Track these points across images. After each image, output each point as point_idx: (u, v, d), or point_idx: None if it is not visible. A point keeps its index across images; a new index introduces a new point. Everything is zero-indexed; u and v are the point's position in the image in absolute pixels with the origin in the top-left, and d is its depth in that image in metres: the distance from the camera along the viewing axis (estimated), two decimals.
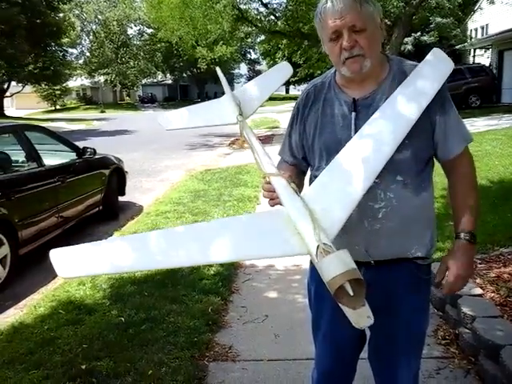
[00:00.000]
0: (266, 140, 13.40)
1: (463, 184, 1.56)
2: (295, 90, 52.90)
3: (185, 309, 3.35)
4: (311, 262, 1.69)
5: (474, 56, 24.32)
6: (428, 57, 1.59)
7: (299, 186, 1.53)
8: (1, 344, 3.05)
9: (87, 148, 5.89)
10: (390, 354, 1.65)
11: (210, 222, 1.66)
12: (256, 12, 19.83)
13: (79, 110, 45.48)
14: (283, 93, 56.69)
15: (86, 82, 52.62)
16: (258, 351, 2.88)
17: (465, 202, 1.54)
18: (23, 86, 36.99)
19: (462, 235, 1.51)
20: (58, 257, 1.36)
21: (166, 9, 17.08)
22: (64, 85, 42.31)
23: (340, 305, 1.23)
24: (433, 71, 1.54)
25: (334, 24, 1.44)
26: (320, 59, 19.96)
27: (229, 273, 4.02)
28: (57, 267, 1.33)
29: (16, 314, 3.63)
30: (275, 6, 21.28)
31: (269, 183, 1.55)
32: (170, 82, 60.62)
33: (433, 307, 3.17)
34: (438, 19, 25.78)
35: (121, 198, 6.83)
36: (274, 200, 1.53)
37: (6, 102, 38.68)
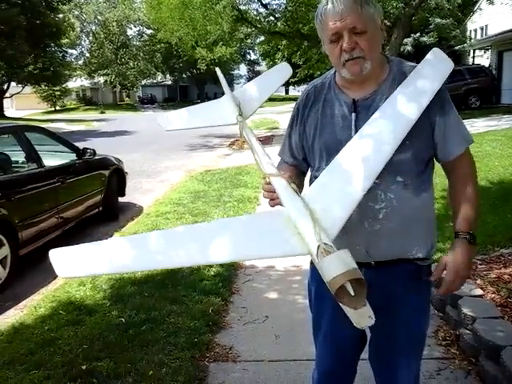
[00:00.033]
0: (265, 141, 13.41)
1: (463, 184, 1.55)
2: (295, 91, 52.89)
3: (185, 309, 3.35)
4: (311, 263, 1.69)
5: (473, 57, 24.34)
6: (428, 56, 1.59)
7: (299, 187, 1.53)
8: (1, 344, 3.06)
9: (87, 149, 5.90)
10: (390, 354, 1.65)
11: (210, 223, 1.65)
12: (256, 13, 19.89)
13: (79, 110, 45.48)
14: (283, 93, 56.71)
15: (86, 82, 52.63)
16: (259, 352, 2.88)
17: (465, 203, 1.53)
18: (23, 87, 37.01)
19: (462, 235, 1.50)
20: (58, 257, 1.36)
21: (166, 10, 17.09)
22: (64, 85, 42.34)
23: (341, 305, 1.23)
24: (433, 71, 1.55)
25: (335, 26, 1.44)
26: (319, 60, 19.96)
27: (229, 273, 4.02)
28: (56, 267, 1.34)
29: (16, 314, 3.64)
30: (275, 6, 21.19)
31: (269, 183, 1.55)
32: (169, 82, 60.62)
33: (433, 308, 3.16)
34: (438, 20, 25.81)
35: (121, 199, 6.83)
36: (275, 200, 1.53)
37: (6, 102, 38.70)
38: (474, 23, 26.40)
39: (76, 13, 47.44)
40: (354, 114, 1.53)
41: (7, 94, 36.56)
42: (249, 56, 58.43)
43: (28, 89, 38.93)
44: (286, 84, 44.73)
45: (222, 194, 7.07)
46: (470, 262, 1.52)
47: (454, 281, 1.48)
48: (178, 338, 2.97)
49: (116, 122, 28.01)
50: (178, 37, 18.45)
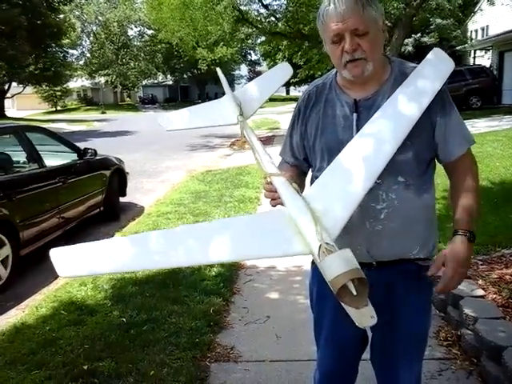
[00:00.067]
0: (266, 141, 13.40)
1: (464, 184, 1.54)
2: (295, 91, 52.92)
3: (186, 310, 3.35)
4: (313, 263, 1.69)
5: (474, 57, 24.32)
6: (429, 56, 1.59)
7: (300, 187, 1.53)
8: (3, 344, 3.06)
9: (88, 149, 5.90)
10: (391, 355, 1.65)
11: (211, 222, 1.65)
12: (256, 13, 19.89)
13: (80, 110, 45.53)
14: (284, 94, 56.72)
15: (87, 83, 52.68)
16: (260, 352, 2.88)
17: (465, 202, 1.52)
18: (24, 87, 37.05)
19: (462, 232, 1.47)
20: (59, 256, 1.36)
21: (167, 10, 17.08)
22: (65, 86, 42.40)
23: (343, 304, 1.22)
24: (433, 71, 1.54)
25: (337, 27, 1.43)
26: (320, 60, 19.96)
27: (230, 274, 4.02)
28: (57, 266, 1.34)
29: (18, 314, 3.64)
30: (275, 7, 21.17)
31: (270, 183, 1.55)
32: (170, 82, 60.65)
33: (434, 308, 3.16)
34: (439, 20, 25.83)
35: (122, 199, 6.83)
36: (276, 200, 1.53)
37: (7, 102, 38.74)
38: (474, 24, 26.39)
39: (77, 13, 47.46)
40: (355, 114, 1.53)
41: (8, 95, 36.59)
42: (250, 56, 58.46)
43: (29, 89, 38.99)
44: (287, 84, 44.78)
45: (222, 194, 7.08)
46: (469, 259, 1.50)
47: (452, 277, 1.44)
48: (180, 338, 2.97)
49: (117, 122, 28.03)
50: (179, 37, 18.44)
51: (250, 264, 4.26)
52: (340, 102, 1.56)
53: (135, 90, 56.89)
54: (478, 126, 11.92)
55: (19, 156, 5.11)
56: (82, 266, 1.37)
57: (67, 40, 38.49)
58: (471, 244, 1.48)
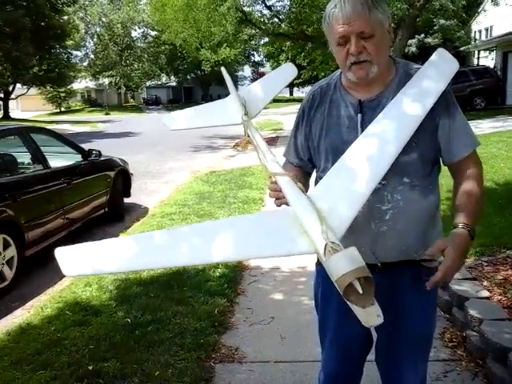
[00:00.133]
0: (270, 142, 13.39)
1: (467, 184, 1.52)
2: (299, 92, 52.90)
3: (191, 310, 3.36)
4: (317, 264, 1.69)
5: (478, 58, 24.24)
6: (433, 57, 1.59)
7: (305, 187, 1.52)
8: (8, 344, 3.07)
9: (92, 150, 5.93)
10: (396, 355, 1.65)
11: (216, 221, 1.65)
12: (260, 14, 19.92)
13: (84, 112, 45.65)
14: (287, 95, 56.73)
15: (91, 84, 52.82)
16: (265, 353, 2.88)
17: (467, 201, 1.49)
18: (28, 89, 37.21)
19: (462, 226, 1.44)
20: (64, 255, 1.37)
21: (170, 11, 17.12)
22: (69, 87, 42.54)
23: (349, 303, 1.21)
24: (437, 71, 1.54)
25: (342, 29, 1.43)
26: (324, 61, 19.98)
27: (234, 275, 4.02)
28: (62, 265, 1.34)
29: (23, 314, 3.65)
30: (279, 8, 21.16)
31: (275, 183, 1.55)
32: (174, 84, 60.74)
33: (439, 310, 3.15)
34: (442, 21, 25.80)
35: (126, 200, 6.85)
36: (280, 200, 1.53)
37: (12, 104, 38.90)
38: (478, 24, 26.33)
39: (81, 15, 47.63)
40: (359, 115, 1.53)
41: (13, 96, 36.75)
42: (253, 57, 58.43)
43: (33, 90, 39.15)
44: (291, 85, 44.72)
45: (226, 195, 7.08)
46: (466, 253, 1.47)
47: (451, 267, 1.39)
48: (184, 339, 2.97)
49: (121, 124, 28.09)
50: (183, 38, 18.48)
51: (254, 265, 4.26)
52: (344, 103, 1.57)
53: (139, 91, 57.04)
54: (482, 126, 11.88)
55: (24, 157, 5.13)
56: (87, 264, 1.37)
57: (71, 41, 38.64)
58: (470, 239, 1.44)
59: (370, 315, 1.21)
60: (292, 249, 1.34)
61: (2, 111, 34.90)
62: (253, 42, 26.88)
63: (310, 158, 1.69)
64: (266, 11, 19.73)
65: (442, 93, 1.50)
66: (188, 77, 57.39)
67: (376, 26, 1.44)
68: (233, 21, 16.96)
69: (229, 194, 7.08)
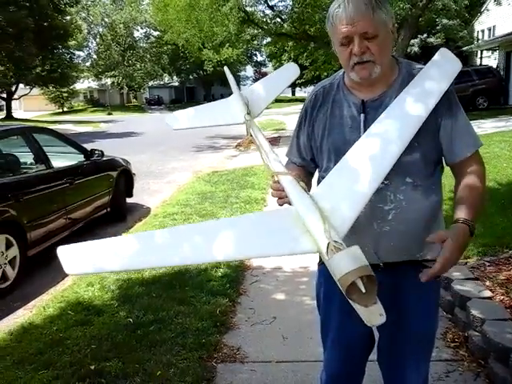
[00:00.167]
0: (272, 142, 13.34)
1: (469, 184, 1.51)
2: (301, 92, 52.90)
3: (193, 310, 3.36)
4: (319, 263, 1.69)
5: (480, 58, 24.19)
6: (435, 57, 1.59)
7: (307, 187, 1.53)
8: (11, 344, 3.08)
9: (95, 150, 5.93)
10: (398, 355, 1.65)
11: (218, 220, 1.65)
12: (262, 14, 19.91)
13: (86, 112, 45.74)
14: (289, 95, 56.71)
15: (93, 84, 52.92)
16: (266, 353, 2.88)
17: (469, 197, 1.48)
18: (31, 89, 37.25)
19: (463, 221, 1.42)
20: (66, 254, 1.36)
21: (173, 11, 17.13)
22: (71, 87, 42.56)
23: (351, 302, 1.21)
24: (440, 71, 1.54)
25: (346, 30, 1.43)
26: (326, 61, 19.96)
27: (236, 274, 4.03)
28: (64, 264, 1.34)
29: (25, 314, 3.66)
30: (281, 8, 21.16)
31: (277, 182, 1.55)
32: (176, 84, 60.79)
33: (442, 310, 3.15)
34: (445, 21, 25.76)
35: (128, 200, 6.86)
36: (283, 199, 1.53)
37: (14, 104, 39.02)
38: (481, 24, 26.27)
39: (83, 15, 47.67)
40: (362, 115, 1.53)
41: (15, 96, 36.82)
42: (255, 57, 58.46)
43: (36, 90, 39.22)
44: (293, 85, 44.76)
45: (228, 195, 7.08)
46: (465, 247, 1.45)
47: (449, 259, 1.37)
48: (186, 339, 2.98)
49: (123, 124, 28.13)
50: (185, 38, 18.48)
51: (256, 265, 4.26)
52: (347, 103, 1.57)
53: (141, 91, 57.07)
54: (484, 126, 11.87)
55: (26, 157, 5.14)
56: (89, 263, 1.37)
57: (74, 42, 38.69)
58: (470, 236, 1.43)
59: (373, 314, 1.20)
60: (294, 248, 1.34)
61: (5, 111, 35.03)
62: (255, 42, 26.89)
63: (312, 158, 1.69)
64: (268, 11, 19.79)
65: (444, 93, 1.49)
66: (190, 77, 57.44)
67: (379, 26, 1.44)
68: (235, 21, 16.96)
69: (231, 194, 7.08)
